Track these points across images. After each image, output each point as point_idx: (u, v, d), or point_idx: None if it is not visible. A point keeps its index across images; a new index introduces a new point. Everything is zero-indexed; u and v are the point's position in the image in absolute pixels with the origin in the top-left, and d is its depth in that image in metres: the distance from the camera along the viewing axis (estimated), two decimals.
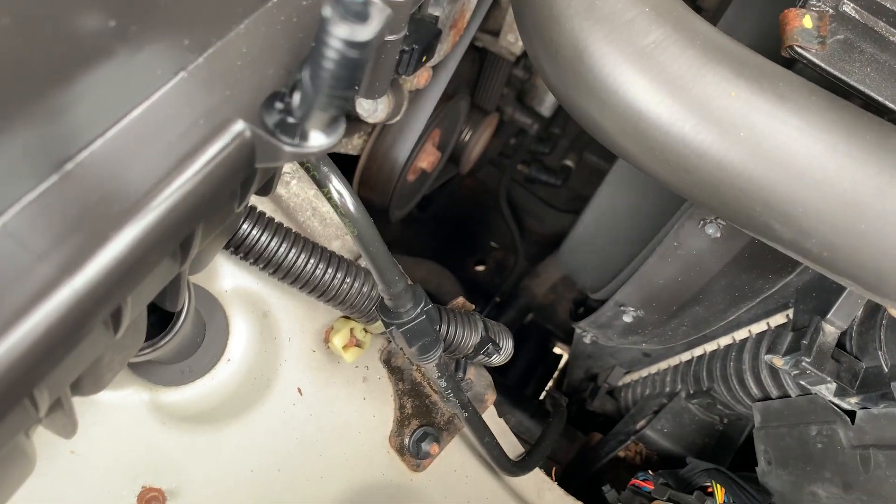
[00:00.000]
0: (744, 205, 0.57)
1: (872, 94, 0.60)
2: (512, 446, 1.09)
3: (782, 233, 0.57)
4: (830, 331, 0.79)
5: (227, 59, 0.43)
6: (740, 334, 1.09)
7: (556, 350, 2.25)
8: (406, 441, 0.94)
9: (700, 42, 0.56)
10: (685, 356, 1.29)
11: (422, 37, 0.85)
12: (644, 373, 1.48)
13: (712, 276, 0.85)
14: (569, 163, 2.07)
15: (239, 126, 0.41)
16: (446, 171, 1.67)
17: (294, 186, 0.89)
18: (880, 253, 0.54)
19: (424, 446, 0.93)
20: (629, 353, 1.49)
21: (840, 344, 0.82)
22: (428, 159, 1.31)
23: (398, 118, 1.05)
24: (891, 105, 0.60)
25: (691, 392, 1.25)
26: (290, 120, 0.39)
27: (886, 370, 0.75)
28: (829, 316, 0.79)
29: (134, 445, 0.78)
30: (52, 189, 0.37)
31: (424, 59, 0.88)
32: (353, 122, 1.18)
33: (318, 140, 0.41)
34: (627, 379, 1.58)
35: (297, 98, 0.36)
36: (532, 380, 2.14)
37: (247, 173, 0.43)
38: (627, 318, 1.00)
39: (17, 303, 0.32)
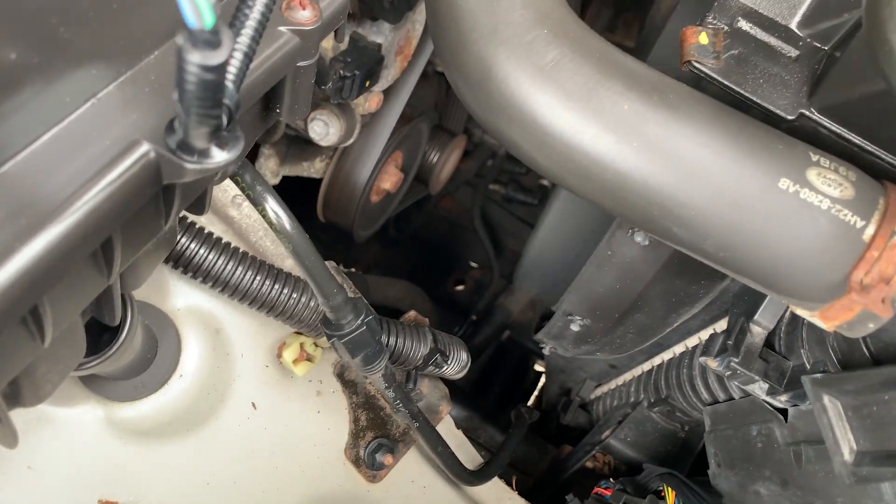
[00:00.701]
0: (643, 209, 0.61)
1: (765, 104, 0.64)
2: (472, 457, 1.11)
3: (682, 235, 0.61)
4: (757, 331, 0.82)
5: (136, 86, 0.47)
6: (692, 342, 1.13)
7: (538, 367, 2.27)
8: (361, 453, 0.97)
9: (595, 59, 0.60)
10: (646, 366, 1.32)
11: (364, 63, 0.90)
12: (612, 385, 1.51)
13: (647, 283, 0.89)
14: (545, 182, 2.11)
15: (144, 147, 0.44)
16: (417, 192, 1.71)
17: (245, 208, 0.92)
18: (769, 251, 0.58)
19: (379, 457, 0.96)
20: (597, 366, 1.52)
21: (770, 345, 0.85)
22: (391, 180, 1.35)
23: (352, 141, 1.10)
24: (782, 114, 0.64)
25: (652, 401, 1.28)
26: (184, 137, 0.43)
27: (809, 367, 0.78)
28: (755, 317, 0.82)
29: (90, 460, 0.81)
30: None
31: (368, 83, 0.92)
32: (314, 146, 1.22)
33: (217, 157, 0.45)
34: (598, 392, 1.60)
35: (180, 122, 0.40)
36: (514, 397, 2.16)
37: (157, 188, 0.47)
38: (575, 327, 1.03)
39: None
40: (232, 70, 0.41)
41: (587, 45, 0.61)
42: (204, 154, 0.44)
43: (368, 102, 1.06)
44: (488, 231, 2.17)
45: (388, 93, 1.12)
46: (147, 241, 0.56)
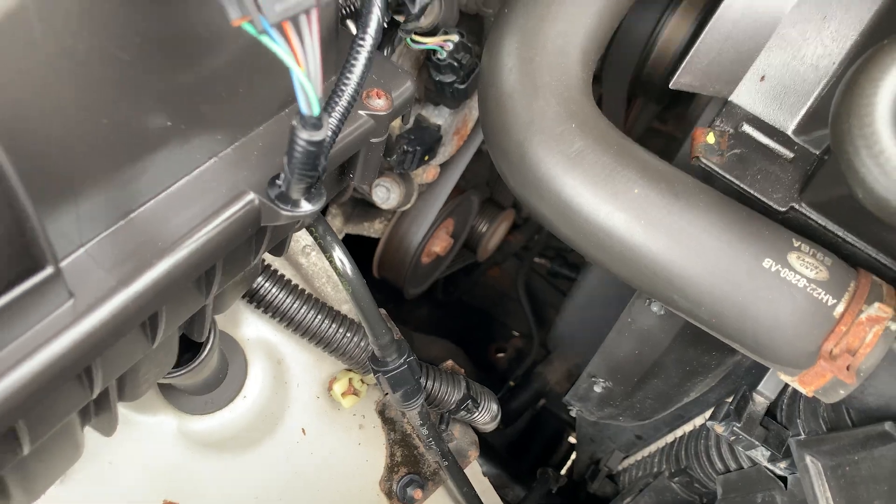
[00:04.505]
0: (649, 279, 0.71)
1: (761, 198, 0.75)
2: None
3: (680, 303, 0.71)
4: (760, 401, 0.90)
5: (248, 149, 0.62)
6: (710, 414, 1.20)
7: (571, 439, 2.32)
8: (394, 486, 1.07)
9: (614, 151, 0.72)
10: (669, 438, 1.38)
11: (425, 141, 1.05)
12: (638, 456, 1.57)
13: (663, 350, 0.98)
14: None
15: (250, 196, 0.58)
16: (464, 258, 1.84)
17: (313, 257, 1.06)
18: (754, 321, 0.67)
19: (410, 491, 1.06)
20: (624, 437, 1.58)
21: (773, 416, 0.92)
22: (441, 244, 1.48)
23: (409, 206, 1.24)
24: (775, 206, 0.74)
25: (672, 471, 1.33)
26: (284, 190, 0.57)
27: (803, 437, 0.85)
28: (758, 388, 0.90)
29: (161, 463, 0.93)
30: (119, 230, 0.54)
31: (427, 158, 1.07)
32: (376, 209, 1.37)
33: (305, 207, 0.58)
34: (625, 463, 1.66)
35: (284, 179, 0.53)
36: (547, 465, 2.21)
37: (255, 229, 0.61)
38: (598, 389, 1.12)
39: (92, 300, 0.49)
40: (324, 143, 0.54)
41: (608, 138, 0.73)
42: (296, 204, 0.58)
43: (426, 174, 1.20)
44: (531, 302, 2.27)
45: (444, 166, 1.26)
46: (238, 272, 0.69)
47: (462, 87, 0.94)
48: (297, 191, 0.53)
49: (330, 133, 0.53)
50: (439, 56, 0.91)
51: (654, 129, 2.11)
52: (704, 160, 0.76)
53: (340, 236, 1.38)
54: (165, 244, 0.55)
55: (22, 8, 0.39)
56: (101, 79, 0.48)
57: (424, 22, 0.88)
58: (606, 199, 0.70)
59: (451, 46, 0.89)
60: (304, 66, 0.43)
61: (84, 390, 0.58)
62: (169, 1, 0.50)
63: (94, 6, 0.44)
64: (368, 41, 0.57)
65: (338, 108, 0.58)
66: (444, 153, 1.16)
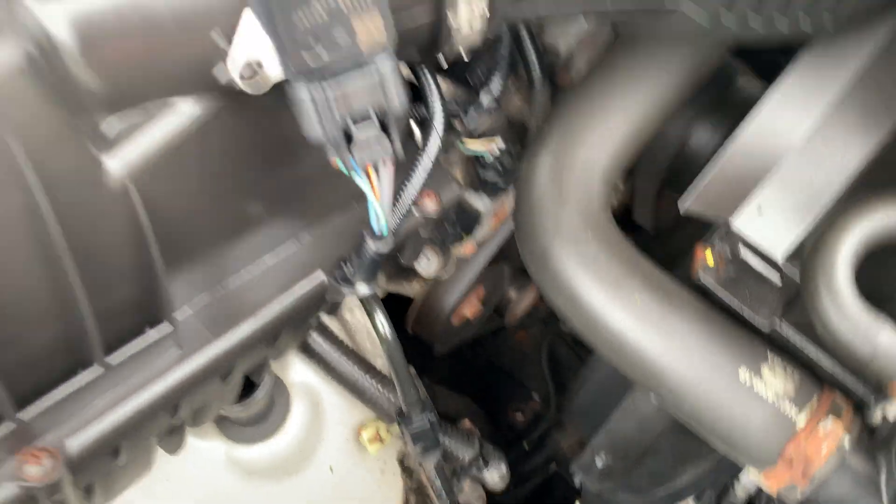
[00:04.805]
0: (643, 375, 0.83)
1: (748, 315, 0.86)
2: None
3: (667, 398, 0.83)
4: (740, 491, 1.00)
5: (323, 233, 0.76)
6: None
7: None
8: None
9: (623, 261, 0.85)
10: None
11: (465, 222, 1.20)
12: None
13: (658, 435, 1.09)
14: None
15: (320, 275, 0.73)
16: (493, 322, 1.96)
17: (357, 314, 1.21)
18: (727, 423, 0.79)
19: None
20: None
21: None
22: (471, 309, 1.61)
23: (447, 275, 1.38)
24: (760, 324, 0.86)
25: None
26: (348, 275, 0.71)
27: None
28: (739, 477, 1.00)
29: (209, 484, 1.06)
30: (215, 293, 0.69)
31: (465, 236, 1.21)
32: (414, 273, 1.51)
33: (362, 289, 0.72)
34: None
35: (350, 268, 0.67)
36: None
37: (319, 303, 0.75)
38: (599, 463, 1.22)
39: (193, 349, 0.64)
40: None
41: (618, 247, 0.86)
42: (353, 286, 0.72)
43: (464, 248, 1.34)
44: (553, 368, 2.37)
45: (481, 244, 1.41)
46: (300, 331, 0.84)
47: (503, 185, 1.08)
48: (360, 279, 0.67)
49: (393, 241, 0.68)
50: (485, 158, 1.05)
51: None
52: (703, 277, 0.88)
53: (381, 294, 1.52)
54: (251, 308, 0.69)
55: (183, 142, 0.54)
56: (224, 182, 0.63)
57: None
58: (613, 303, 0.83)
59: (497, 152, 1.04)
60: (378, 196, 0.57)
61: (170, 417, 0.72)
62: (277, 126, 0.65)
63: (227, 136, 0.59)
64: (427, 162, 0.71)
65: (397, 213, 0.72)
66: (481, 232, 1.30)
